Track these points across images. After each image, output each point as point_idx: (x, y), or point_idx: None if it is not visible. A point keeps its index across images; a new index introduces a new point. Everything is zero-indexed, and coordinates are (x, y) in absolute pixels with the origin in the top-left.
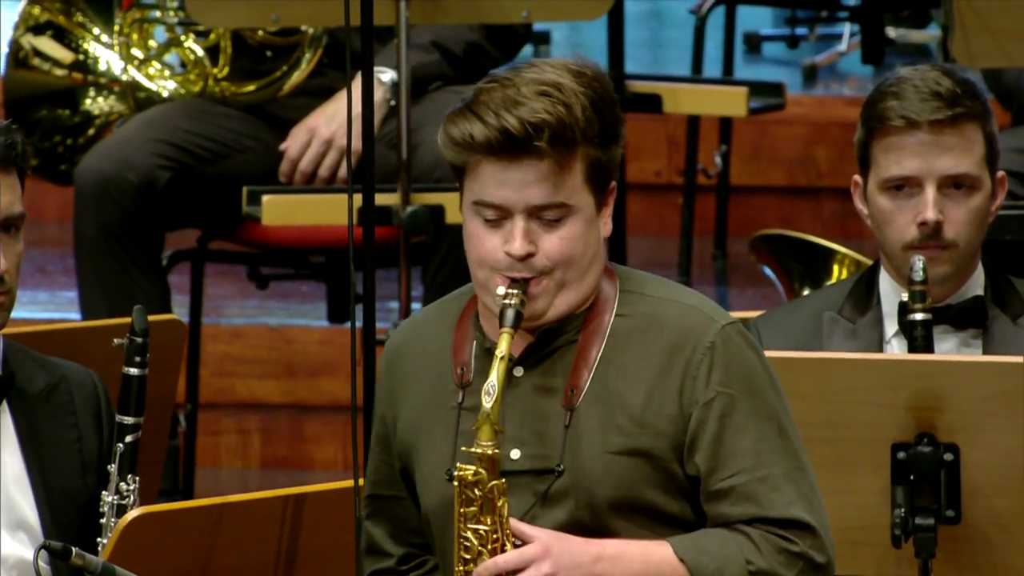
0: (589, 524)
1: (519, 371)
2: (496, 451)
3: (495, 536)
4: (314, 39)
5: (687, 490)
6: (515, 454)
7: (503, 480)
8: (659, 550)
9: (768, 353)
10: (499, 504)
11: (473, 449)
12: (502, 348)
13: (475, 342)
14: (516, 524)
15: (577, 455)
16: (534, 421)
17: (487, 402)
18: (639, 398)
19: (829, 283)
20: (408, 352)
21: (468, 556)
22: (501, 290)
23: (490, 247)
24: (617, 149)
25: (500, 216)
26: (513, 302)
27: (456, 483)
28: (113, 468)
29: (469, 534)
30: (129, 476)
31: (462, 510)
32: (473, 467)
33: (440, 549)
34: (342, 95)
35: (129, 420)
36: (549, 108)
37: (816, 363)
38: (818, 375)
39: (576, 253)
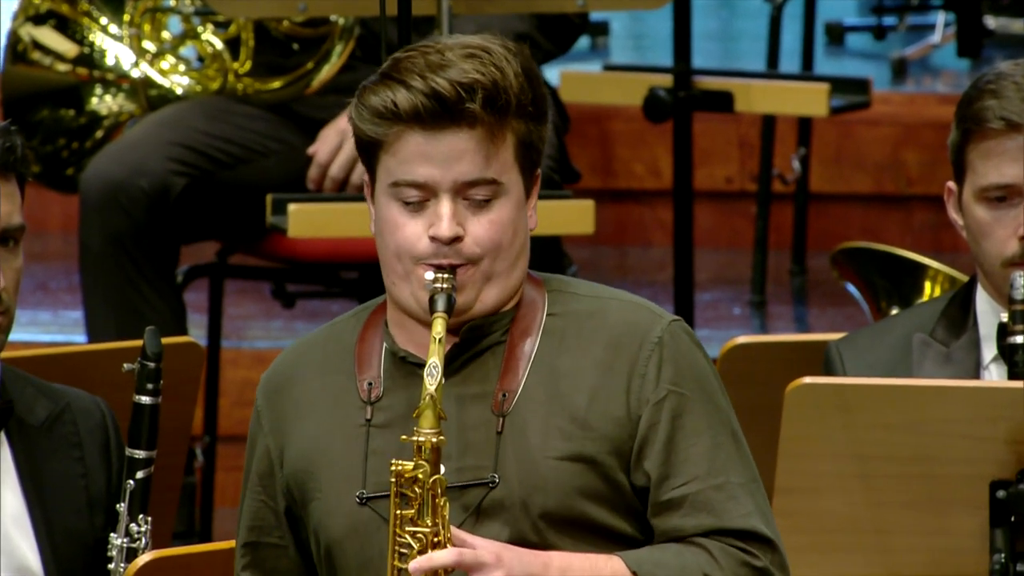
0: (530, 539)
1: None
2: (441, 439)
3: (436, 540)
4: (345, 30)
5: (635, 508)
6: (440, 469)
7: (444, 475)
8: (608, 563)
9: (853, 380)
10: (440, 504)
11: (414, 438)
12: (438, 330)
13: (384, 354)
14: (457, 532)
15: (513, 463)
16: (459, 432)
17: (430, 384)
18: (582, 399)
19: (920, 302)
20: (295, 378)
21: (403, 566)
22: (430, 275)
23: (411, 234)
24: (545, 130)
25: (423, 198)
26: (445, 286)
27: (392, 479)
28: (123, 507)
29: (408, 538)
30: (140, 516)
31: (398, 512)
32: (413, 461)
33: None
34: None
35: (140, 454)
36: (480, 69)
37: (906, 391)
38: (908, 404)
39: (505, 240)
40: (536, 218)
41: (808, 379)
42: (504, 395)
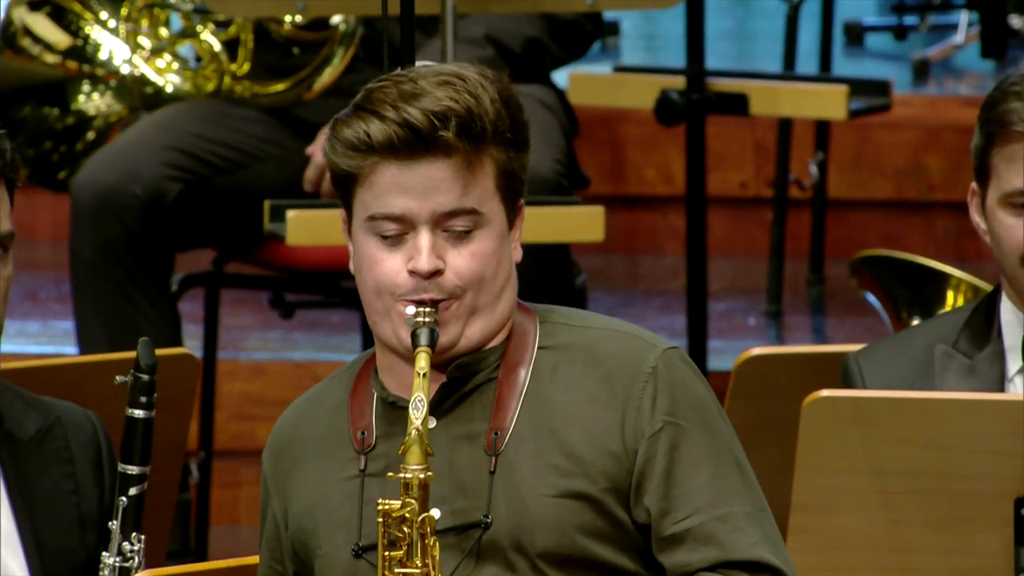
0: None
1: (432, 422)
2: (429, 475)
3: None
4: (346, 35)
5: (639, 544)
6: (435, 513)
7: (433, 514)
8: None
9: (872, 393)
10: (430, 544)
11: (400, 475)
12: (421, 364)
13: (375, 401)
14: None
15: (507, 503)
16: (453, 473)
17: (416, 418)
18: (576, 435)
19: (942, 312)
20: (295, 438)
21: None
22: (411, 309)
23: (389, 269)
24: (527, 158)
25: (401, 231)
26: (427, 320)
27: (380, 519)
28: (115, 525)
29: None
30: (133, 534)
31: (386, 553)
32: (400, 500)
33: None
34: None
35: (133, 470)
36: (454, 96)
37: (927, 404)
38: (929, 418)
39: (488, 272)
40: (520, 251)
41: (826, 392)
42: (496, 434)
